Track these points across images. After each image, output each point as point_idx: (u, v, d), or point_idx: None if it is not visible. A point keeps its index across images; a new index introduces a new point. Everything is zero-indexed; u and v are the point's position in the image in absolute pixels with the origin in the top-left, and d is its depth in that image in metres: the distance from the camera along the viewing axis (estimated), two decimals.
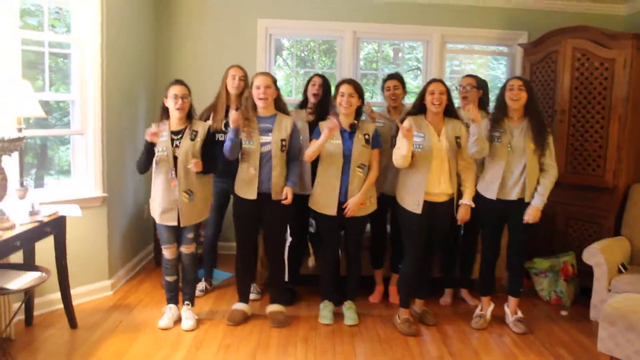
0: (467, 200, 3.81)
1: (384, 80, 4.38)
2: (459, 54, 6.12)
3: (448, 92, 3.76)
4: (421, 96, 3.80)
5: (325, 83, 4.22)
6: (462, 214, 3.82)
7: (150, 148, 3.63)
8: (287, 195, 3.75)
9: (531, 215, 3.74)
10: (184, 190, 3.67)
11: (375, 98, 6.75)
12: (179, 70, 5.37)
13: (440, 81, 3.78)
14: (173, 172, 3.63)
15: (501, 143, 3.77)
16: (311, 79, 4.27)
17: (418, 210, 3.73)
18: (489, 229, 3.97)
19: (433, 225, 3.83)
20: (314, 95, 4.19)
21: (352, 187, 3.81)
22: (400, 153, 3.66)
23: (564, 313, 4.32)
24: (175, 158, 3.64)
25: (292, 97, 5.78)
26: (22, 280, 3.10)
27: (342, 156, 3.79)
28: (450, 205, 3.83)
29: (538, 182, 3.78)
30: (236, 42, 5.52)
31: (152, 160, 3.68)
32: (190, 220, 3.75)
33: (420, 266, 3.89)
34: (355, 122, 3.86)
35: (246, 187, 3.79)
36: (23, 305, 3.57)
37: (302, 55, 7.31)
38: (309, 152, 3.80)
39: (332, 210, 3.84)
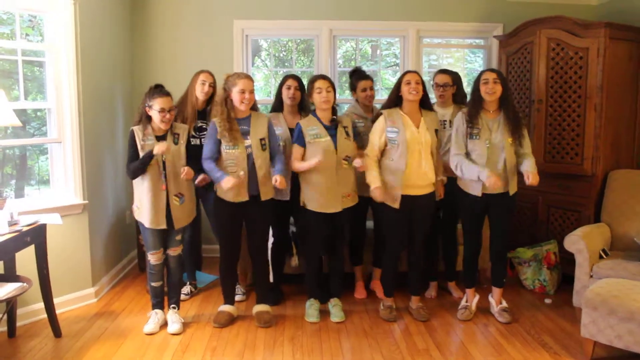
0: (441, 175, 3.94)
1: (357, 79, 4.31)
2: (436, 49, 6.15)
3: (423, 83, 3.78)
4: (397, 88, 3.81)
5: (300, 85, 4.17)
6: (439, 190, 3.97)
7: (148, 156, 3.54)
8: (277, 180, 3.60)
9: (533, 176, 3.63)
10: (175, 194, 3.67)
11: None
12: (156, 74, 5.33)
13: (416, 72, 3.80)
14: (164, 176, 3.62)
15: (479, 139, 3.76)
16: (284, 81, 4.15)
17: (396, 205, 3.76)
18: (471, 223, 3.97)
19: (415, 218, 3.85)
20: (290, 98, 4.10)
21: (339, 178, 3.79)
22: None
23: (548, 301, 4.36)
24: (163, 162, 3.62)
25: (271, 98, 5.75)
26: (2, 291, 3.07)
27: (335, 152, 3.76)
28: (432, 197, 3.85)
29: (519, 171, 3.80)
30: (212, 44, 5.50)
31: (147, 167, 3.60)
32: (182, 222, 3.77)
33: (397, 259, 3.96)
34: (335, 117, 3.85)
35: (235, 190, 3.68)
36: (5, 316, 3.54)
37: (281, 55, 7.30)
38: (302, 167, 3.75)
39: (337, 207, 3.82)
